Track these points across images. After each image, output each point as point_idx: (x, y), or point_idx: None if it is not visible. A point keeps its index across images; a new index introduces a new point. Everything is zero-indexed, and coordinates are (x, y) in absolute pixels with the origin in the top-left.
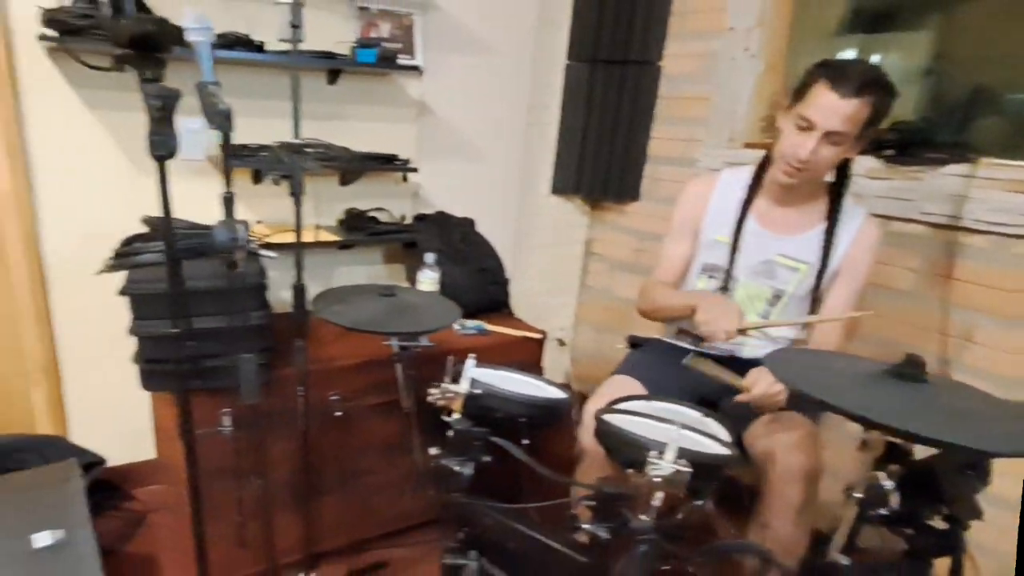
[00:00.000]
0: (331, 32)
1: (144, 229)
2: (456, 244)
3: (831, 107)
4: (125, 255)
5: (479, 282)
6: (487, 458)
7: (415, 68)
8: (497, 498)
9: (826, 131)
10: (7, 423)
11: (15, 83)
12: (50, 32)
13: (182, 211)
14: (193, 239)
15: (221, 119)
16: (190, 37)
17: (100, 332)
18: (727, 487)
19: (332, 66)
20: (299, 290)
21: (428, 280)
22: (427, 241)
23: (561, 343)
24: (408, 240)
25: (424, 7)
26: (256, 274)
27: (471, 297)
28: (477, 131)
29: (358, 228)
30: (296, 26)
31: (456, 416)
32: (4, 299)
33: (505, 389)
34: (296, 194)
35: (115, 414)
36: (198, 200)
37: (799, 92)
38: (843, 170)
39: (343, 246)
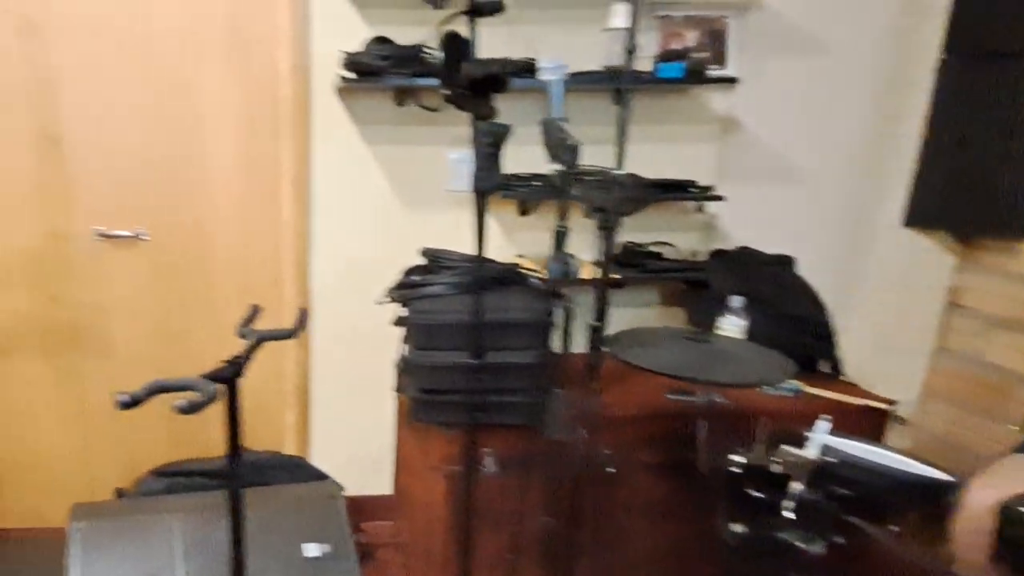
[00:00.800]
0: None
1: (421, 260)
2: (761, 286)
3: None
4: (410, 286)
5: (791, 333)
6: (840, 539)
7: (728, 80)
8: None
9: None
10: (260, 440)
11: (308, 121)
12: (349, 74)
13: (440, 241)
14: (487, 272)
15: (567, 154)
16: (544, 76)
17: (350, 360)
18: None
19: (627, 85)
20: (596, 330)
21: (732, 327)
22: (722, 281)
23: (900, 420)
24: (696, 279)
25: (743, 8)
26: (547, 311)
27: (780, 351)
28: (800, 149)
29: (633, 264)
30: (632, 51)
31: (797, 487)
32: (275, 324)
33: (875, 461)
34: (609, 228)
35: (353, 443)
36: (453, 231)
37: None
38: None
39: (614, 284)
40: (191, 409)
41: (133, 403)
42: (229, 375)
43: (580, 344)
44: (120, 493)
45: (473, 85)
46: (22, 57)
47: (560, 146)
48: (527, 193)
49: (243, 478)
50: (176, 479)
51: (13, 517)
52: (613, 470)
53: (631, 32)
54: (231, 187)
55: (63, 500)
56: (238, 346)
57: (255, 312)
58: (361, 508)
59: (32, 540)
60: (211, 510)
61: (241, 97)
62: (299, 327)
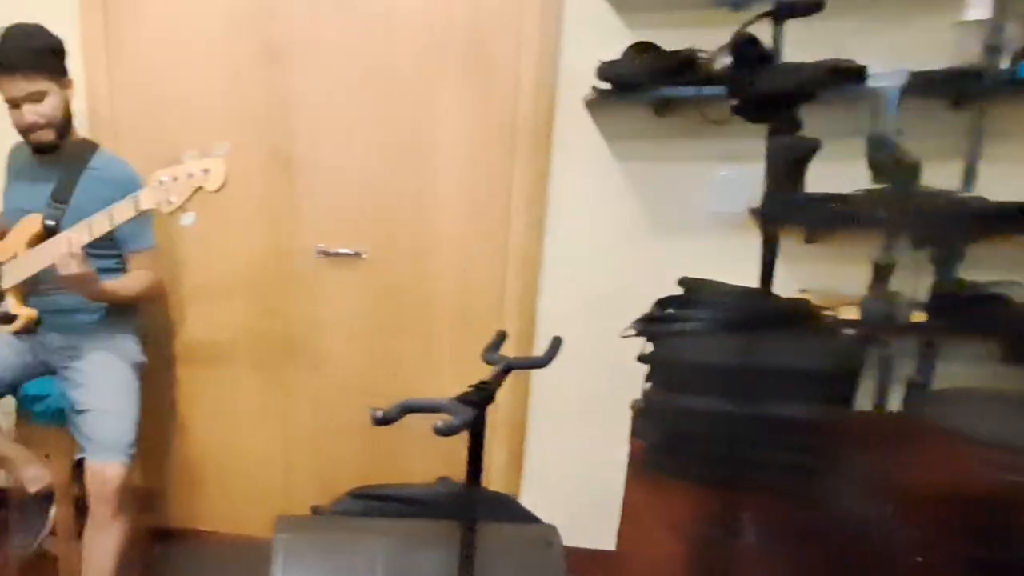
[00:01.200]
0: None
1: (676, 291)
2: None
3: None
4: (664, 319)
5: None
6: None
7: None
8: None
9: None
10: (466, 472)
11: (551, 138)
12: (605, 85)
13: (696, 270)
14: (767, 307)
15: (905, 173)
16: (878, 83)
17: (576, 397)
18: None
19: (984, 89)
20: (917, 387)
21: None
22: None
23: None
24: None
25: None
26: (845, 358)
27: None
28: None
29: (969, 309)
30: (997, 48)
31: None
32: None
33: None
34: (944, 264)
35: (570, 488)
36: (713, 259)
37: None
38: None
39: (943, 332)
40: (449, 431)
41: (385, 421)
42: (479, 400)
43: (894, 402)
44: (315, 510)
45: (776, 95)
46: (263, 80)
47: (894, 164)
48: (827, 219)
49: (477, 512)
50: (372, 502)
51: (215, 521)
52: (920, 559)
53: (995, 25)
54: (458, 208)
55: (260, 508)
56: (449, 370)
57: (502, 338)
58: (574, 562)
59: (230, 544)
60: (414, 537)
61: (477, 116)
62: (551, 356)
